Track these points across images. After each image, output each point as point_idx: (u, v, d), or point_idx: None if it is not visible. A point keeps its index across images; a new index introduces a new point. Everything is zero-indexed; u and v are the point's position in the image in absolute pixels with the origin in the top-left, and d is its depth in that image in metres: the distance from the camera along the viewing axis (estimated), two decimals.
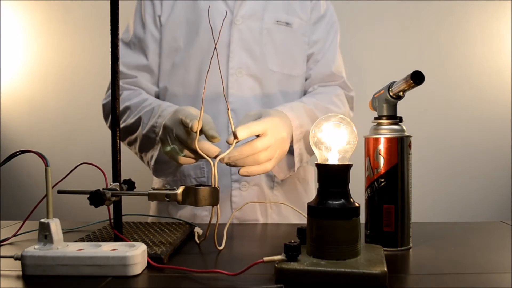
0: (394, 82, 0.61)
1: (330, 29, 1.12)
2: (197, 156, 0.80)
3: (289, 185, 1.02)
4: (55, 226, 0.51)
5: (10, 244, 0.64)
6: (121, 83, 0.99)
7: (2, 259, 0.55)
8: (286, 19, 1.03)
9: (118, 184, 0.58)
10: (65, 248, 0.51)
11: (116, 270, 0.48)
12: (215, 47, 0.63)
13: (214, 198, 0.56)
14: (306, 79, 1.09)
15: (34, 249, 0.50)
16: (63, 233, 0.53)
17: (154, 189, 0.56)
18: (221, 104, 0.96)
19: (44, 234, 0.51)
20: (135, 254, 0.49)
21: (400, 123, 0.62)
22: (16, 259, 0.51)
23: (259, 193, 0.96)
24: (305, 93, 1.09)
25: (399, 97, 0.61)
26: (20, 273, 0.50)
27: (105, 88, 1.05)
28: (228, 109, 0.64)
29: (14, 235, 0.65)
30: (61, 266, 0.49)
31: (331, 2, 1.15)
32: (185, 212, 0.97)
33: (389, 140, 0.60)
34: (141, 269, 0.50)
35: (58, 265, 0.49)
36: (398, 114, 0.62)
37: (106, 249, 0.50)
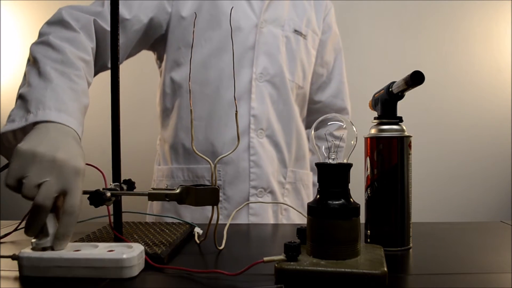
0: (394, 82, 0.61)
1: (338, 55, 1.18)
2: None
3: (296, 191, 1.05)
4: (51, 218, 0.51)
5: (11, 242, 0.64)
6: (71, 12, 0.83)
7: (2, 259, 0.55)
8: (302, 30, 1.05)
9: (118, 184, 0.58)
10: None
11: (112, 272, 0.48)
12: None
13: (214, 198, 0.56)
14: (315, 101, 1.15)
15: (31, 250, 0.50)
16: None
17: (154, 189, 0.56)
18: (240, 108, 0.95)
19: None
20: (132, 257, 0.48)
21: (400, 123, 0.62)
22: (13, 259, 0.50)
23: (273, 199, 0.98)
24: (309, 109, 1.14)
25: (399, 97, 0.61)
26: (18, 273, 0.50)
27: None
28: (236, 112, 0.58)
29: (16, 229, 0.65)
30: (58, 268, 0.48)
31: (333, 7, 1.17)
32: (196, 214, 0.96)
33: (389, 140, 0.60)
34: (138, 271, 0.49)
35: (55, 267, 0.48)
36: (398, 114, 0.62)
37: (103, 249, 0.50)
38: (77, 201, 0.51)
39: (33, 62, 0.72)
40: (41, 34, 0.80)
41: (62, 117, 0.62)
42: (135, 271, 0.49)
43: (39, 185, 0.50)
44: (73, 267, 0.48)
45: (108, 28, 0.83)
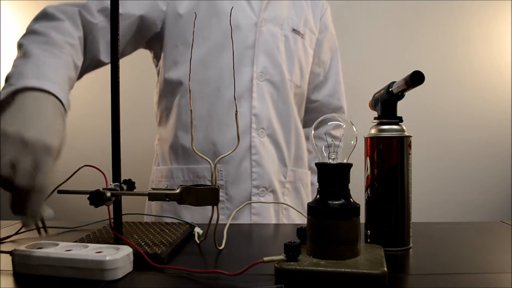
0: (394, 82, 0.61)
1: (335, 54, 1.18)
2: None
3: (296, 190, 1.06)
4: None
5: (11, 242, 0.64)
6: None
7: (2, 259, 0.55)
8: (300, 29, 1.05)
9: (118, 184, 0.57)
10: (53, 247, 0.51)
11: (94, 274, 0.47)
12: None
13: (214, 198, 0.56)
14: (311, 101, 1.15)
15: (24, 248, 0.50)
16: (62, 232, 0.52)
17: (154, 189, 0.56)
18: (241, 107, 0.95)
19: None
20: (114, 259, 0.47)
21: (400, 123, 0.62)
22: (11, 255, 0.50)
23: (274, 198, 0.99)
24: (306, 108, 1.14)
25: (399, 97, 0.61)
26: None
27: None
28: (236, 112, 0.58)
29: (17, 233, 0.65)
30: (44, 267, 0.48)
31: (331, 7, 1.17)
32: (196, 214, 0.96)
33: (389, 140, 0.60)
34: (122, 274, 0.48)
35: (42, 265, 0.48)
36: (398, 114, 0.62)
37: (91, 251, 0.50)
38: (46, 178, 0.51)
39: (18, 50, 0.74)
40: (27, 29, 0.82)
41: (42, 83, 0.60)
42: (118, 274, 0.48)
43: (12, 165, 0.50)
44: (58, 266, 0.48)
45: (93, 20, 0.87)
